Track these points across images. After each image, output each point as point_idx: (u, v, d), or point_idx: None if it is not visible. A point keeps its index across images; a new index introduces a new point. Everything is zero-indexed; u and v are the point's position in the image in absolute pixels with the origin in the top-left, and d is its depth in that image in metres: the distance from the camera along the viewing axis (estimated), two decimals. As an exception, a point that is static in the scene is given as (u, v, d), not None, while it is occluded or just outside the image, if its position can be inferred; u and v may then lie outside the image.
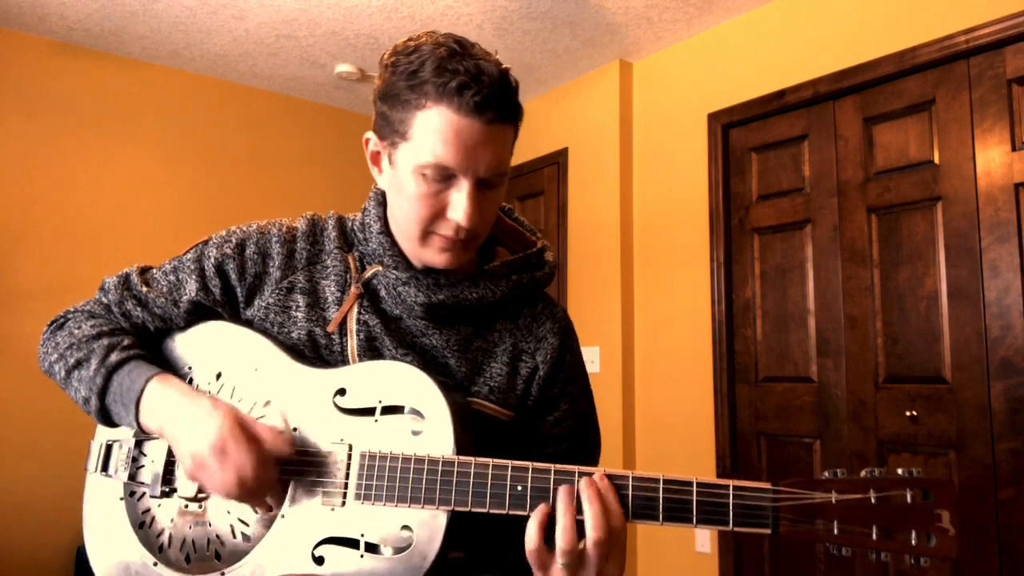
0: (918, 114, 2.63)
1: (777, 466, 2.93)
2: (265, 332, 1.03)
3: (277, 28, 3.35)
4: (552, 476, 0.84)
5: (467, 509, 0.85)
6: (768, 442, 2.98)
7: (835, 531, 0.76)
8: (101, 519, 1.07)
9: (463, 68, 0.87)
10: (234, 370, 1.03)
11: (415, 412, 0.91)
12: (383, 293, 1.02)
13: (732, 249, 3.17)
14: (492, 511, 0.85)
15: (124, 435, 1.08)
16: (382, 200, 1.03)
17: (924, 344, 2.54)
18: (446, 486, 0.86)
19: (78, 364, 1.01)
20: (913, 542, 0.74)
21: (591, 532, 0.80)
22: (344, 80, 3.89)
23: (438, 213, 0.92)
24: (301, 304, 1.02)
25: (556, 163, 3.90)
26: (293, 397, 0.98)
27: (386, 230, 1.01)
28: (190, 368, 1.06)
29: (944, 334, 2.49)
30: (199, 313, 1.06)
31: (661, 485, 0.81)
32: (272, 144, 4.10)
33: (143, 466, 1.05)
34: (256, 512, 0.95)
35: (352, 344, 1.00)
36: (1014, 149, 2.39)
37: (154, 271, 1.10)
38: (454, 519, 0.87)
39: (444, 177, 0.90)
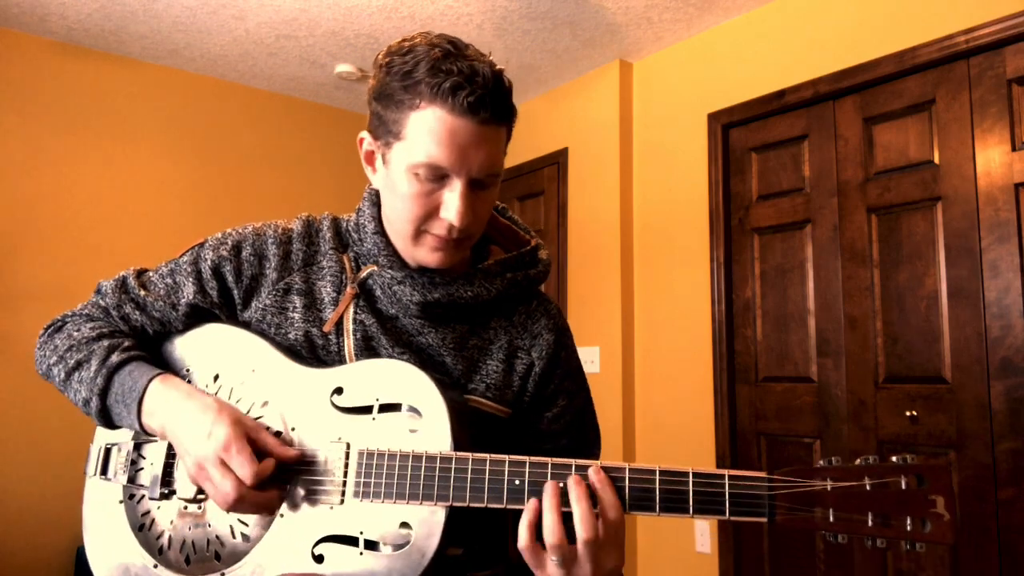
0: (918, 114, 2.63)
1: (777, 466, 2.91)
2: (262, 333, 1.04)
3: (277, 28, 3.36)
4: (549, 470, 0.84)
5: (465, 504, 0.86)
6: (768, 442, 2.98)
7: (831, 519, 0.76)
8: (101, 522, 1.08)
9: (457, 68, 0.87)
10: (232, 371, 1.03)
11: (412, 410, 0.91)
12: (379, 293, 1.03)
13: (732, 249, 3.17)
14: (490, 506, 0.85)
15: (123, 438, 1.08)
16: (376, 200, 1.04)
17: (924, 344, 2.54)
18: (444, 482, 0.87)
19: (78, 366, 1.01)
20: (908, 528, 0.74)
21: (580, 532, 0.80)
22: (344, 80, 3.89)
23: (431, 212, 0.93)
24: (298, 305, 1.03)
25: (556, 163, 3.90)
26: (291, 397, 0.98)
27: (381, 230, 1.02)
28: (188, 370, 1.06)
29: (944, 334, 2.49)
30: (197, 316, 1.07)
31: (657, 476, 0.82)
32: (272, 144, 4.10)
33: (142, 469, 1.05)
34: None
35: (349, 344, 1.00)
36: (1014, 149, 2.39)
37: (150, 274, 1.10)
38: (452, 515, 0.87)
39: (437, 177, 0.91)
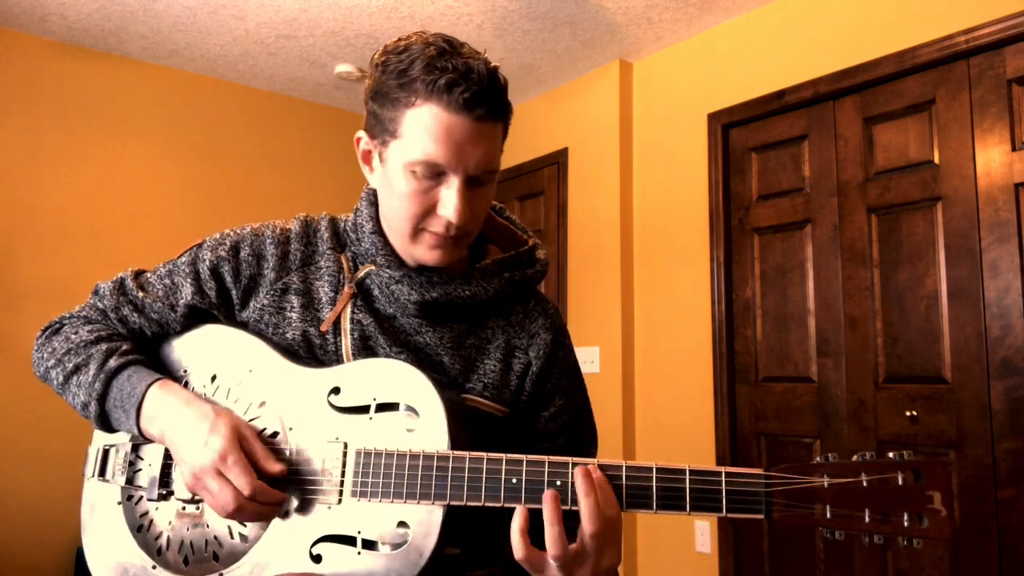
0: (918, 114, 2.63)
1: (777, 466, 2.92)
2: (260, 333, 1.03)
3: (277, 28, 3.36)
4: (546, 468, 0.84)
5: (462, 503, 0.86)
6: (768, 442, 2.98)
7: (828, 515, 0.76)
8: (99, 524, 1.08)
9: (452, 66, 0.87)
10: (229, 372, 1.03)
11: (410, 409, 0.91)
12: (376, 292, 1.03)
13: (732, 249, 3.17)
14: (488, 504, 0.85)
15: (121, 440, 1.08)
16: (374, 200, 1.04)
17: (924, 344, 2.54)
18: (441, 481, 0.87)
19: (76, 369, 1.01)
20: (906, 524, 0.74)
21: (587, 524, 0.80)
22: (344, 80, 3.89)
23: (428, 210, 0.93)
24: (295, 305, 1.03)
25: (556, 163, 3.90)
26: (288, 397, 0.98)
27: (378, 229, 1.02)
28: (186, 371, 1.06)
29: (944, 334, 2.49)
30: (195, 317, 1.07)
31: (654, 474, 0.82)
32: (272, 144, 4.11)
33: (140, 470, 1.05)
34: None
35: (346, 343, 1.00)
36: (1014, 149, 2.39)
37: (148, 275, 1.10)
38: (450, 514, 0.87)
39: (434, 174, 0.91)
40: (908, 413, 2.55)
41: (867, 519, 0.75)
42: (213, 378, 1.04)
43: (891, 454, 0.76)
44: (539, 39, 3.42)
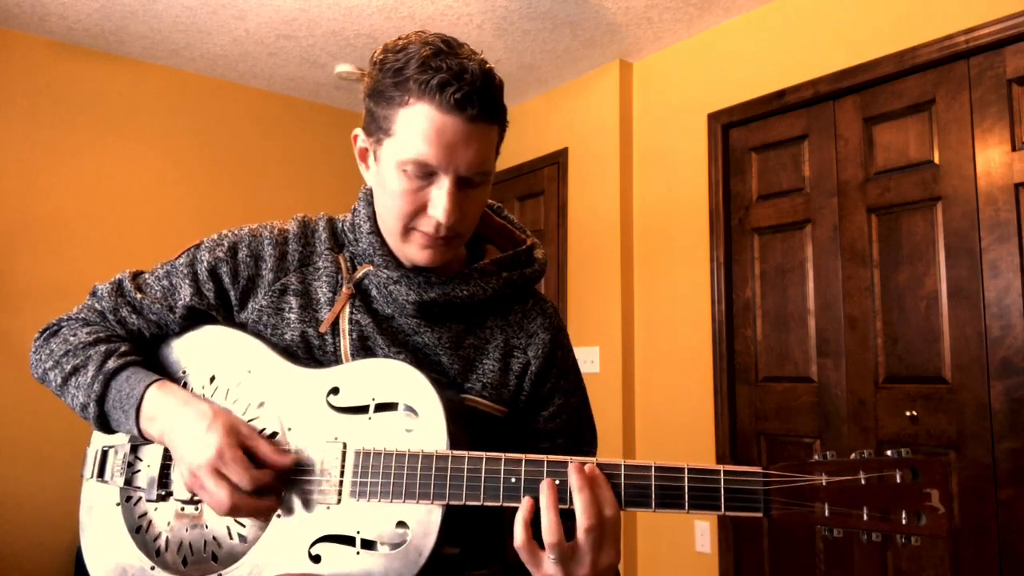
0: (918, 114, 2.63)
1: (777, 466, 2.92)
2: (258, 334, 1.03)
3: (277, 28, 3.36)
4: (545, 468, 0.84)
5: (461, 503, 0.86)
6: (768, 442, 2.98)
7: (827, 513, 0.77)
8: (98, 525, 1.08)
9: (446, 66, 0.87)
10: (228, 373, 1.03)
11: (408, 409, 0.91)
12: (374, 292, 1.03)
13: (732, 249, 3.17)
14: (486, 504, 0.85)
15: (119, 441, 1.08)
16: (371, 200, 1.04)
17: (924, 344, 2.53)
18: (440, 480, 0.87)
19: (75, 371, 1.01)
20: (904, 521, 0.74)
21: (581, 519, 0.80)
22: (344, 80, 3.89)
23: (419, 209, 0.93)
24: (294, 305, 1.03)
25: (556, 163, 3.90)
26: (287, 398, 0.98)
27: (376, 229, 1.02)
28: (185, 372, 1.06)
29: (944, 334, 2.49)
30: (193, 318, 1.07)
31: (653, 472, 0.82)
32: (272, 144, 4.11)
33: (139, 471, 1.05)
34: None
35: (345, 344, 1.00)
36: (1014, 149, 2.39)
37: (146, 276, 1.09)
38: (449, 514, 0.87)
39: (425, 174, 0.91)
40: (908, 413, 2.55)
41: (865, 517, 0.75)
42: (212, 379, 1.04)
43: (889, 452, 0.77)
44: (539, 39, 3.42)
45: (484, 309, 1.05)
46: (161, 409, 0.96)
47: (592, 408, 1.16)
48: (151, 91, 3.74)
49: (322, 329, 1.01)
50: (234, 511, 0.90)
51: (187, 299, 1.04)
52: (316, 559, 0.90)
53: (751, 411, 3.03)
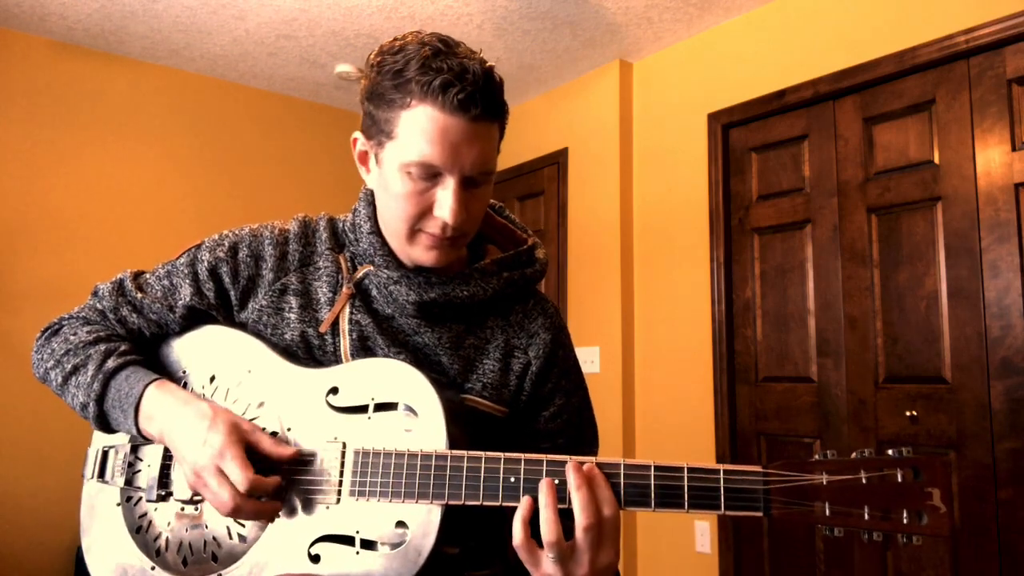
0: (918, 114, 2.63)
1: (777, 466, 2.92)
2: (258, 334, 1.03)
3: (277, 28, 3.36)
4: (544, 467, 0.84)
5: (461, 503, 0.85)
6: (768, 442, 2.98)
7: (827, 512, 0.76)
8: (99, 525, 1.08)
9: (447, 66, 0.87)
10: (228, 373, 1.03)
11: (408, 409, 0.91)
12: (375, 292, 1.03)
13: (732, 249, 3.17)
14: (486, 504, 0.85)
15: (120, 441, 1.08)
16: (372, 200, 1.04)
17: (924, 344, 2.53)
18: (439, 480, 0.86)
19: (75, 370, 1.01)
20: (905, 521, 0.74)
21: (580, 518, 0.80)
22: (344, 80, 3.89)
23: (424, 211, 0.93)
24: (294, 305, 1.03)
25: (556, 163, 3.90)
26: (286, 397, 0.98)
27: (376, 230, 1.02)
28: (185, 372, 1.06)
29: (944, 334, 2.49)
30: (194, 317, 1.07)
31: (652, 472, 0.82)
32: (272, 144, 4.11)
33: (139, 471, 1.05)
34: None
35: (345, 344, 1.00)
36: (1014, 149, 2.39)
37: (147, 276, 1.10)
38: (449, 514, 0.87)
39: (430, 175, 0.91)
40: (908, 413, 2.55)
41: (866, 516, 0.75)
42: (212, 379, 1.04)
43: (890, 451, 0.76)
44: (539, 39, 3.42)
45: (485, 309, 1.05)
46: (160, 408, 0.96)
47: (593, 409, 1.15)
48: (151, 91, 3.74)
49: (322, 329, 1.01)
50: (237, 511, 0.89)
51: (187, 299, 1.04)
52: (316, 559, 0.90)
53: (751, 411, 3.03)
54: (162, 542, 1.01)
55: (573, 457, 0.84)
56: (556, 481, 0.83)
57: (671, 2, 3.08)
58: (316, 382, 0.97)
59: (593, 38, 3.40)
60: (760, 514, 0.78)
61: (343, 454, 0.92)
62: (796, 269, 2.94)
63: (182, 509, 1.00)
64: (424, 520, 0.87)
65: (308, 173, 4.21)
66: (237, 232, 1.07)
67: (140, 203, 3.66)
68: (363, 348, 1.00)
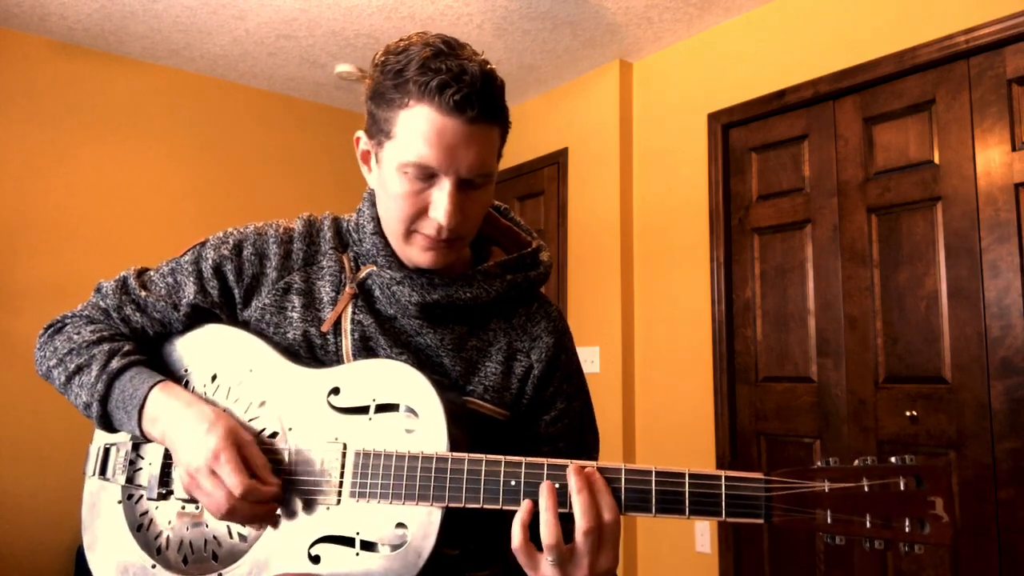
0: (918, 114, 2.63)
1: (777, 466, 2.92)
2: (261, 333, 1.03)
3: (277, 28, 3.36)
4: (545, 471, 0.84)
5: (461, 505, 0.85)
6: (768, 442, 2.98)
7: (829, 520, 0.76)
8: (100, 523, 1.08)
9: (446, 67, 0.87)
10: (229, 372, 1.03)
11: (409, 410, 0.91)
12: (378, 293, 1.03)
13: (732, 249, 3.17)
14: (486, 507, 0.85)
15: (121, 438, 1.08)
16: (375, 201, 1.03)
17: (924, 344, 2.53)
18: (440, 483, 0.86)
19: (79, 370, 1.01)
20: (907, 529, 0.73)
21: (580, 522, 0.80)
22: (344, 80, 3.89)
23: (420, 212, 0.93)
24: (297, 304, 1.02)
25: (556, 163, 3.90)
26: (288, 397, 0.98)
27: (379, 230, 1.02)
28: (187, 370, 1.06)
29: (944, 334, 2.49)
30: (197, 316, 1.07)
31: (654, 477, 0.81)
32: (272, 144, 4.11)
33: (140, 469, 1.05)
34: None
35: (347, 344, 1.00)
36: (1014, 149, 2.39)
37: (151, 273, 1.09)
38: (449, 515, 0.87)
39: (426, 176, 0.90)
40: (908, 413, 2.55)
41: (868, 524, 0.74)
42: (214, 377, 1.04)
43: (893, 459, 0.75)
44: (539, 39, 3.42)
45: (488, 311, 1.05)
46: (163, 411, 0.96)
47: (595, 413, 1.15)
48: (151, 91, 3.74)
49: (324, 328, 1.01)
50: (231, 514, 0.89)
51: (191, 297, 1.04)
52: (316, 559, 0.90)
53: (751, 411, 3.03)
54: (163, 540, 1.01)
55: (574, 461, 0.84)
56: (557, 485, 0.83)
57: (671, 2, 3.08)
58: (317, 382, 0.97)
59: (593, 38, 3.40)
60: (761, 521, 0.78)
61: (344, 455, 0.92)
62: (796, 269, 2.94)
63: (183, 508, 1.00)
64: (424, 522, 0.87)
65: (308, 173, 4.21)
66: (242, 230, 1.07)
67: (140, 203, 3.66)
68: (365, 348, 1.00)
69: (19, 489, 3.24)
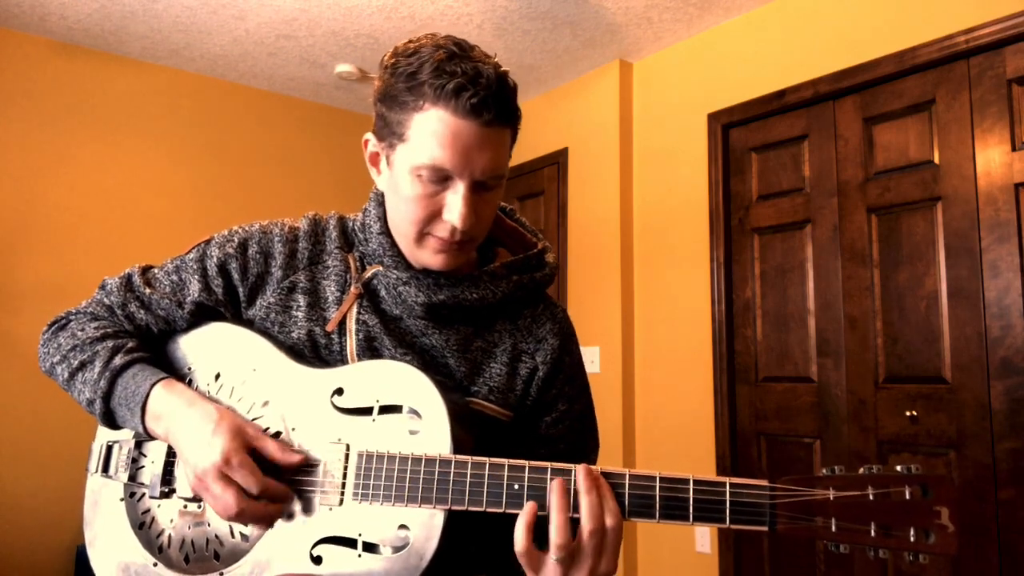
0: (918, 114, 2.63)
1: (777, 466, 2.93)
2: (265, 332, 1.03)
3: (277, 28, 3.36)
4: (549, 475, 0.84)
5: (464, 508, 0.85)
6: (768, 442, 2.98)
7: (833, 528, 0.75)
8: (101, 520, 1.07)
9: (461, 70, 0.86)
10: (233, 371, 1.03)
11: (413, 411, 0.91)
12: (383, 293, 1.02)
13: (732, 249, 3.17)
14: (489, 510, 0.84)
15: (124, 436, 1.08)
16: (382, 201, 1.03)
17: (924, 344, 2.54)
18: (443, 485, 0.86)
19: (82, 366, 1.01)
20: (912, 539, 0.73)
21: (586, 522, 0.80)
22: (344, 80, 3.89)
23: (434, 214, 0.92)
24: (302, 304, 1.02)
25: (556, 163, 3.90)
26: (291, 397, 0.98)
27: (386, 231, 1.01)
28: (190, 369, 1.06)
29: (944, 334, 2.49)
30: (201, 314, 1.06)
31: (658, 483, 0.81)
32: (272, 144, 4.11)
33: (143, 467, 1.05)
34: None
35: (351, 344, 1.00)
36: (1014, 149, 2.39)
37: (156, 271, 1.09)
38: (452, 518, 0.87)
39: (440, 179, 0.90)
40: (908, 413, 2.55)
41: (872, 533, 0.74)
42: (217, 376, 1.04)
43: (898, 467, 0.75)
44: (539, 39, 3.42)
45: (493, 312, 1.04)
46: (166, 408, 0.96)
47: (596, 417, 1.15)
48: (151, 91, 3.73)
49: (329, 328, 1.00)
50: (240, 516, 0.89)
51: (196, 295, 1.03)
52: (317, 560, 0.90)
53: (751, 411, 3.04)
54: (165, 539, 1.01)
55: (578, 465, 0.84)
56: (567, 485, 0.83)
57: (671, 2, 3.08)
58: (321, 382, 0.97)
59: (593, 38, 3.40)
60: (765, 528, 0.77)
61: (347, 456, 0.92)
62: (796, 269, 2.94)
63: (185, 507, 1.00)
64: (427, 524, 0.87)
65: (308, 173, 4.21)
66: (247, 228, 1.06)
67: (140, 203, 3.66)
68: (370, 348, 0.99)
69: (19, 489, 3.24)
